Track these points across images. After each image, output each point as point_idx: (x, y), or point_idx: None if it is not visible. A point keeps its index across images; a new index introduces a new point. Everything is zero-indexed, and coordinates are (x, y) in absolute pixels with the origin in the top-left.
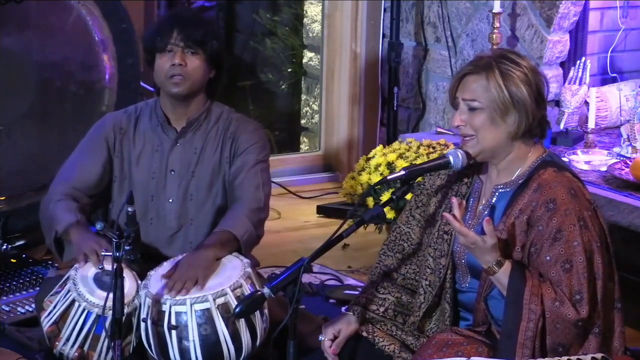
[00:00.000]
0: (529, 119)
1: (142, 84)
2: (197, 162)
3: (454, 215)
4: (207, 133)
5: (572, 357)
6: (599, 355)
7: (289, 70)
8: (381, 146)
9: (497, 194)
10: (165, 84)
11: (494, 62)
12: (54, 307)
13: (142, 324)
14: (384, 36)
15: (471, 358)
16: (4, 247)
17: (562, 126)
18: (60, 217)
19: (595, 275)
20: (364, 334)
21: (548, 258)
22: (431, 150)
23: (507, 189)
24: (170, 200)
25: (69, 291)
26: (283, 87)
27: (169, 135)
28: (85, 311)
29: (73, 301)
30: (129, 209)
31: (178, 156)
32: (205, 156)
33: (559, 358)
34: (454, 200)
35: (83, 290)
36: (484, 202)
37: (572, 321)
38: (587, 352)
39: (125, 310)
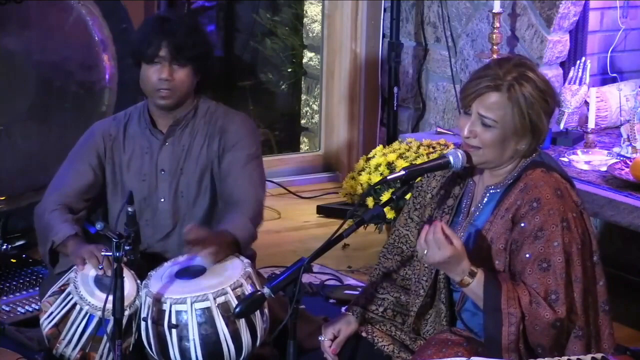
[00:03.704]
0: (539, 140)
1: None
2: (185, 158)
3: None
4: (195, 129)
5: (572, 357)
6: (598, 356)
7: (289, 70)
8: (381, 146)
9: (488, 194)
10: (152, 95)
11: (517, 83)
12: (55, 310)
13: (143, 323)
14: (384, 36)
15: (471, 358)
16: (4, 247)
17: (562, 126)
18: (57, 228)
19: (573, 278)
20: (364, 334)
21: (527, 256)
22: (431, 150)
23: (497, 190)
24: (162, 200)
25: (69, 294)
26: (283, 87)
27: (157, 137)
28: (88, 314)
29: (74, 304)
30: (129, 209)
31: (168, 155)
32: (192, 152)
33: (559, 358)
34: (437, 224)
35: (85, 294)
36: (476, 202)
37: (549, 321)
38: (573, 355)
39: (127, 312)
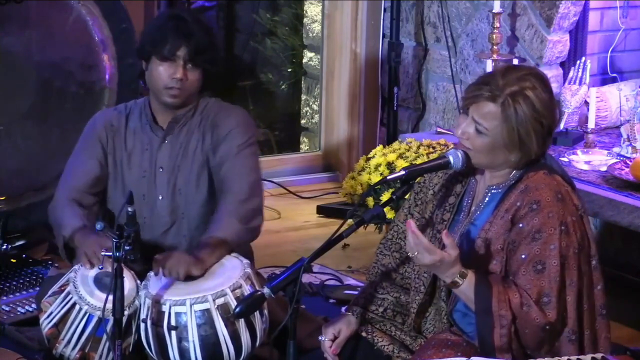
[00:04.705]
0: (530, 156)
1: (142, 83)
2: (182, 156)
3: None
4: (192, 127)
5: (572, 357)
6: (599, 356)
7: (289, 70)
8: (381, 146)
9: (489, 194)
10: (160, 92)
11: (512, 99)
12: (54, 310)
13: (142, 325)
14: (384, 36)
15: (471, 358)
16: (4, 247)
17: (562, 126)
18: (66, 222)
19: (568, 282)
20: (364, 334)
21: (523, 256)
22: (431, 150)
23: (499, 190)
24: (161, 197)
25: (69, 294)
26: (283, 87)
27: (157, 134)
28: (87, 314)
29: (74, 304)
30: (129, 209)
31: (166, 153)
32: (189, 149)
33: (559, 358)
34: (410, 223)
35: (84, 293)
36: (477, 201)
37: (539, 325)
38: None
39: (126, 312)
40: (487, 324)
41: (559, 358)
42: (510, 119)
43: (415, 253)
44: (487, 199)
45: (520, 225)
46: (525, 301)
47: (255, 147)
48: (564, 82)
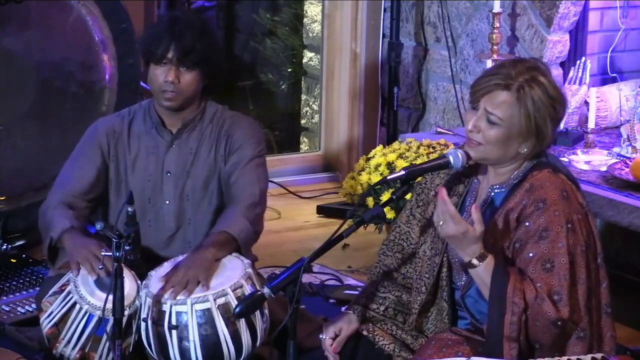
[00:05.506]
0: (542, 145)
1: (142, 84)
2: (193, 162)
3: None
4: (202, 133)
5: (572, 357)
6: (598, 356)
7: (289, 70)
8: (381, 146)
9: (492, 193)
10: (158, 95)
11: (527, 86)
12: (54, 309)
13: (143, 324)
14: (384, 36)
15: (471, 358)
16: (4, 247)
17: (562, 126)
18: (55, 224)
19: (577, 280)
20: (365, 332)
21: (531, 255)
22: (431, 150)
23: (502, 189)
24: (167, 202)
25: (69, 293)
26: (283, 87)
27: (164, 137)
28: (87, 314)
29: (74, 304)
30: (129, 209)
31: (174, 158)
32: (200, 156)
33: (559, 358)
34: (442, 190)
35: (85, 293)
36: (480, 201)
37: (551, 319)
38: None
39: (126, 312)
40: (499, 310)
41: (559, 358)
42: (527, 106)
43: (441, 223)
44: (490, 198)
45: (527, 224)
46: (540, 295)
47: (264, 159)
48: (564, 82)
